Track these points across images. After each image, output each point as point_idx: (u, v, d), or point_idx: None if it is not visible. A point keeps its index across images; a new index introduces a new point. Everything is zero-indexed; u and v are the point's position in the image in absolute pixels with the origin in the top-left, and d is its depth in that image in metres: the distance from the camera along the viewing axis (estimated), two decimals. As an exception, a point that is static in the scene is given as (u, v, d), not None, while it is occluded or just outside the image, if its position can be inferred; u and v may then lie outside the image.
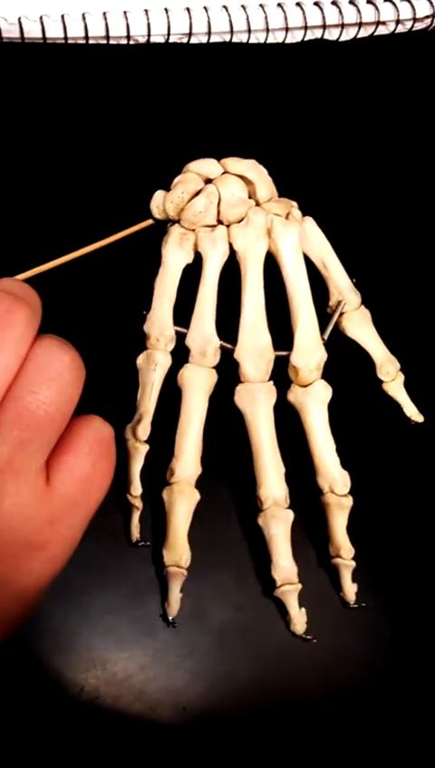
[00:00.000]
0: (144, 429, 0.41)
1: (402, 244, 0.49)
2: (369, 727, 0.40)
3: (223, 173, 0.44)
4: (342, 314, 0.44)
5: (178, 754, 0.39)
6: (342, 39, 0.51)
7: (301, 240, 0.43)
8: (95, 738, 0.39)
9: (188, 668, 0.40)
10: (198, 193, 0.43)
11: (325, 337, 0.43)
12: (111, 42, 0.48)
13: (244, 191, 0.44)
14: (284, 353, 0.42)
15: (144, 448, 0.41)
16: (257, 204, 0.44)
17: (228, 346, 0.42)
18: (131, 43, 0.49)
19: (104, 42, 0.48)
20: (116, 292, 0.45)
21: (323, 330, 0.43)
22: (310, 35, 0.51)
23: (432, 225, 0.50)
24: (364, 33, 0.51)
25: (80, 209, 0.46)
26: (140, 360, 0.42)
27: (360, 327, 0.45)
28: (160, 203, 0.44)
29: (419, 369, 0.45)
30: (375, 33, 0.52)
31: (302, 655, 0.41)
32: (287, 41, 0.50)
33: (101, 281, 0.45)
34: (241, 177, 0.44)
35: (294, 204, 0.44)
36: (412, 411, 0.45)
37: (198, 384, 0.41)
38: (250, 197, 0.44)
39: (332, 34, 0.51)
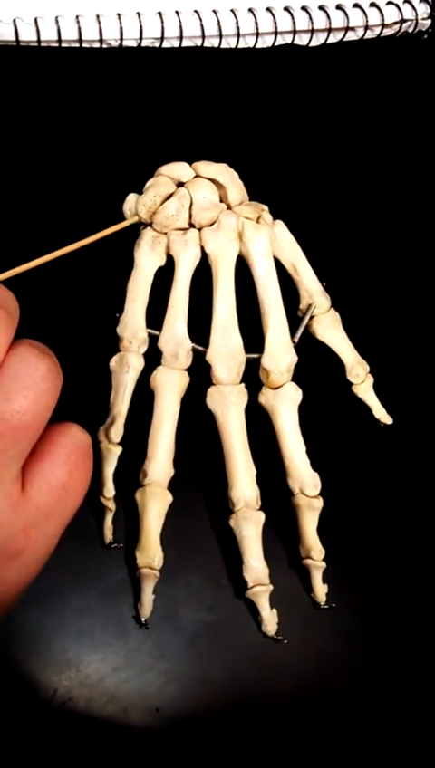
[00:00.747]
0: (117, 431, 0.41)
1: (372, 247, 0.50)
2: (340, 727, 0.41)
3: (195, 176, 0.44)
4: (312, 317, 0.45)
5: (151, 756, 0.39)
6: (312, 44, 0.52)
7: (272, 243, 0.44)
8: (68, 740, 0.39)
9: (161, 670, 0.40)
10: (170, 196, 0.43)
11: (296, 340, 0.44)
12: (84, 45, 0.48)
13: (215, 195, 0.44)
14: (255, 356, 0.42)
15: (117, 450, 0.41)
16: (229, 207, 0.44)
17: (200, 348, 0.42)
18: (104, 46, 0.49)
19: (77, 45, 0.48)
20: (89, 295, 0.45)
21: (293, 333, 0.44)
22: (280, 40, 0.51)
23: (402, 228, 0.50)
24: (334, 38, 0.52)
25: (52, 212, 0.46)
26: (113, 362, 0.42)
27: (330, 330, 0.45)
28: (133, 206, 0.44)
29: (388, 371, 0.46)
30: (344, 39, 0.52)
31: (273, 655, 0.41)
32: (258, 45, 0.51)
33: (74, 284, 0.45)
34: (212, 180, 0.44)
35: (265, 207, 0.45)
36: (381, 413, 0.45)
37: (170, 386, 0.41)
38: (221, 201, 0.44)
39: (302, 39, 0.51)
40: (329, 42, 0.52)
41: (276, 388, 0.42)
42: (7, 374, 0.30)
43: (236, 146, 0.48)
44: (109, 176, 0.47)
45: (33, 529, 0.31)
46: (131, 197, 0.44)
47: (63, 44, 0.48)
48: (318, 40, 0.52)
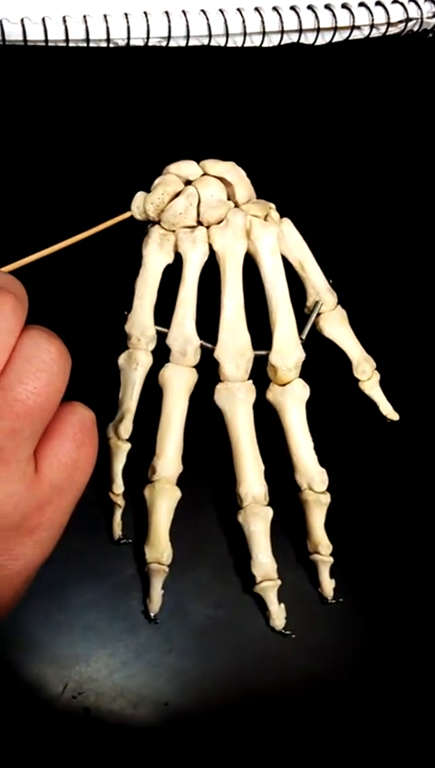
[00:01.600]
0: (126, 428, 0.41)
1: (378, 245, 0.50)
2: (347, 721, 0.41)
3: (202, 175, 0.44)
4: (319, 314, 0.45)
5: (160, 750, 0.40)
6: (318, 43, 0.52)
7: (279, 241, 0.44)
8: (78, 734, 0.39)
9: (170, 664, 0.40)
10: (178, 194, 0.44)
11: (303, 337, 0.44)
12: (91, 44, 0.49)
13: (223, 193, 0.44)
14: (263, 353, 0.43)
15: (126, 447, 0.41)
16: (236, 205, 0.44)
17: (209, 345, 0.42)
18: (111, 46, 0.49)
19: (84, 45, 0.48)
20: (97, 292, 0.45)
21: (301, 330, 0.44)
22: (286, 39, 0.51)
23: (408, 225, 0.51)
24: (339, 37, 0.52)
25: (61, 210, 0.47)
26: (122, 359, 0.42)
27: (336, 327, 0.45)
28: (141, 204, 0.44)
29: (394, 368, 0.46)
30: (350, 38, 0.52)
31: (281, 650, 0.41)
32: (264, 44, 0.51)
33: (83, 282, 0.45)
34: (220, 178, 0.44)
35: (272, 206, 0.45)
36: (388, 410, 0.46)
37: (178, 383, 0.42)
38: (229, 199, 0.44)
39: (308, 38, 0.52)
40: (335, 40, 0.52)
41: (284, 385, 0.42)
42: (20, 358, 0.31)
43: (243, 144, 0.48)
44: (117, 174, 0.47)
45: (48, 506, 0.32)
46: (140, 195, 0.44)
47: (71, 44, 0.49)
48: (324, 39, 0.52)
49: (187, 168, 0.45)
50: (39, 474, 0.32)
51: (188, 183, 0.44)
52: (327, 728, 0.41)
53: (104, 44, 0.49)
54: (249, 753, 0.40)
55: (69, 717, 0.39)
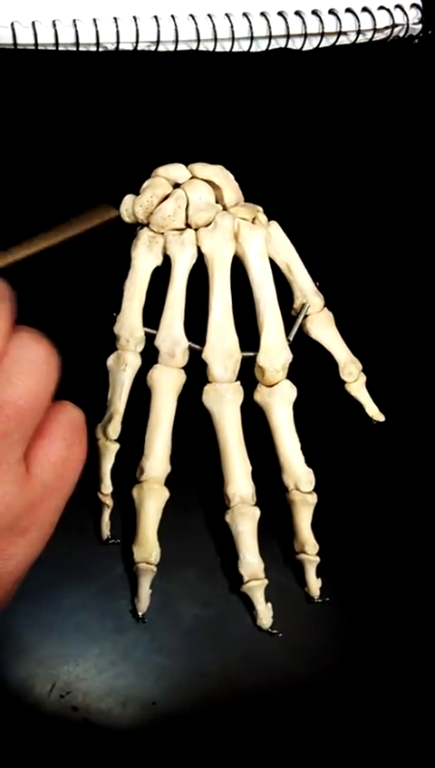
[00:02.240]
0: (114, 428, 0.41)
1: (364, 248, 0.50)
2: (333, 720, 0.41)
3: (191, 178, 0.45)
4: (306, 317, 0.45)
5: (148, 749, 0.40)
6: (305, 48, 0.52)
7: (267, 244, 0.44)
8: (66, 734, 0.40)
9: (158, 663, 0.41)
10: (166, 197, 0.44)
11: (290, 338, 0.44)
12: (81, 48, 0.49)
13: (211, 196, 0.44)
14: (250, 354, 0.43)
15: (114, 447, 0.41)
16: (224, 208, 0.45)
17: (197, 347, 0.43)
18: (100, 50, 0.49)
19: (73, 48, 0.49)
20: (87, 294, 0.45)
21: (288, 331, 0.44)
22: (274, 45, 0.52)
23: (394, 229, 0.51)
24: (326, 42, 0.52)
25: (49, 215, 0.47)
26: (111, 360, 0.43)
27: (323, 329, 0.46)
28: (130, 207, 0.44)
29: (380, 370, 0.47)
30: (337, 43, 0.53)
31: (267, 649, 0.42)
32: (252, 49, 0.52)
33: (72, 284, 0.45)
34: (208, 181, 0.45)
35: (260, 209, 0.45)
36: (374, 411, 0.46)
37: (166, 384, 0.42)
38: (217, 202, 0.45)
39: (295, 44, 0.52)
40: (322, 46, 0.53)
41: (272, 386, 0.43)
42: (9, 360, 0.31)
43: (231, 148, 0.48)
44: (106, 177, 0.47)
45: (39, 506, 0.32)
46: (129, 198, 0.45)
47: (61, 47, 0.49)
48: (311, 44, 0.52)
49: (175, 171, 0.45)
50: (30, 474, 0.32)
51: (176, 186, 0.45)
52: (313, 727, 0.41)
53: (93, 48, 0.49)
54: (236, 752, 0.40)
55: (57, 716, 0.39)
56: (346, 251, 0.50)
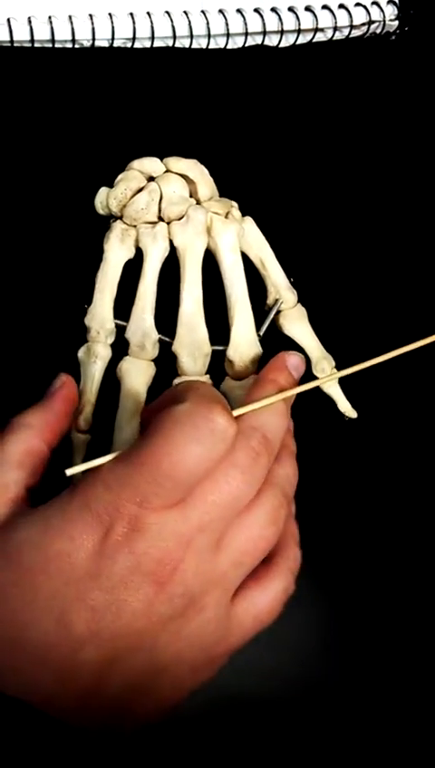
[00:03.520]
0: (86, 420, 0.42)
1: (339, 244, 0.50)
2: (318, 722, 0.42)
3: (165, 172, 0.45)
4: (278, 312, 0.46)
5: (144, 747, 0.40)
6: (281, 45, 0.53)
7: (239, 239, 0.45)
8: (64, 733, 0.40)
9: None
10: (140, 190, 0.44)
11: (261, 333, 0.44)
12: (57, 45, 0.49)
13: (185, 190, 0.45)
14: (220, 348, 0.43)
15: (86, 438, 0.42)
16: (198, 202, 0.45)
17: (167, 339, 0.43)
18: (76, 47, 0.49)
19: (49, 45, 0.49)
20: (59, 286, 0.45)
21: (259, 326, 0.44)
22: (250, 41, 0.52)
23: (368, 225, 0.51)
24: (303, 39, 0.53)
25: (26, 206, 0.47)
26: (81, 352, 0.43)
27: (296, 324, 0.46)
28: (104, 199, 0.45)
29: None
30: (314, 40, 0.53)
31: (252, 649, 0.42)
32: (229, 46, 0.52)
33: (44, 276, 0.45)
34: (183, 176, 0.45)
35: (235, 204, 0.46)
36: (346, 407, 0.46)
37: (136, 376, 0.42)
38: (191, 196, 0.45)
39: (272, 40, 0.52)
40: (298, 42, 0.53)
41: (241, 379, 0.43)
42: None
43: (207, 144, 0.48)
44: (80, 172, 0.48)
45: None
46: (103, 191, 0.45)
47: (36, 44, 0.49)
48: (288, 41, 0.53)
49: (150, 164, 0.45)
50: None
51: (151, 179, 0.45)
52: (296, 730, 0.42)
53: (69, 45, 0.49)
54: (223, 753, 0.41)
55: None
56: (321, 247, 0.50)
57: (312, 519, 0.44)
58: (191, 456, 0.32)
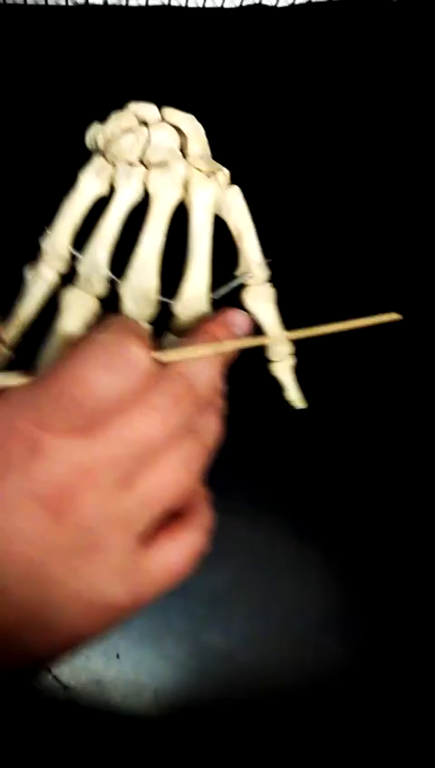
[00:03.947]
0: (12, 336, 0.41)
1: (324, 234, 0.49)
2: (314, 721, 0.42)
3: (160, 120, 0.45)
4: (244, 286, 0.45)
5: (150, 739, 0.40)
6: (280, 4, 0.51)
7: (217, 201, 0.44)
8: (68, 725, 0.40)
9: (160, 654, 0.41)
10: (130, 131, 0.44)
11: (215, 297, 0.43)
12: (50, 3, 0.49)
13: (175, 142, 0.44)
14: (168, 300, 0.42)
15: (8, 354, 0.41)
16: (185, 157, 0.44)
17: (116, 279, 0.42)
18: (70, 4, 0.49)
19: (43, 3, 0.49)
20: (30, 206, 0.45)
21: (217, 290, 0.44)
22: (248, 0, 0.51)
23: (357, 211, 0.49)
24: (301, -2, 0.52)
25: (18, 163, 0.47)
26: (27, 270, 0.43)
27: (259, 302, 0.45)
28: (94, 134, 0.44)
29: (313, 359, 0.45)
30: (313, 0, 0.52)
31: (268, 640, 0.42)
32: (226, 5, 0.51)
33: (18, 193, 0.45)
34: (176, 128, 0.44)
35: (225, 170, 0.45)
36: (295, 396, 0.45)
37: (76, 307, 0.41)
38: (181, 151, 0.44)
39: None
40: (297, 2, 0.51)
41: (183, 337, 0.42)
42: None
43: (201, 106, 0.46)
44: (75, 130, 0.46)
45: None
46: (95, 126, 0.44)
47: (29, 2, 0.49)
48: (286, 0, 0.52)
49: (146, 109, 0.45)
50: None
51: (143, 124, 0.44)
52: (293, 728, 0.41)
53: (63, 2, 0.49)
54: (238, 740, 0.41)
55: (59, 709, 0.40)
56: (306, 230, 0.48)
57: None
58: (99, 382, 0.31)
